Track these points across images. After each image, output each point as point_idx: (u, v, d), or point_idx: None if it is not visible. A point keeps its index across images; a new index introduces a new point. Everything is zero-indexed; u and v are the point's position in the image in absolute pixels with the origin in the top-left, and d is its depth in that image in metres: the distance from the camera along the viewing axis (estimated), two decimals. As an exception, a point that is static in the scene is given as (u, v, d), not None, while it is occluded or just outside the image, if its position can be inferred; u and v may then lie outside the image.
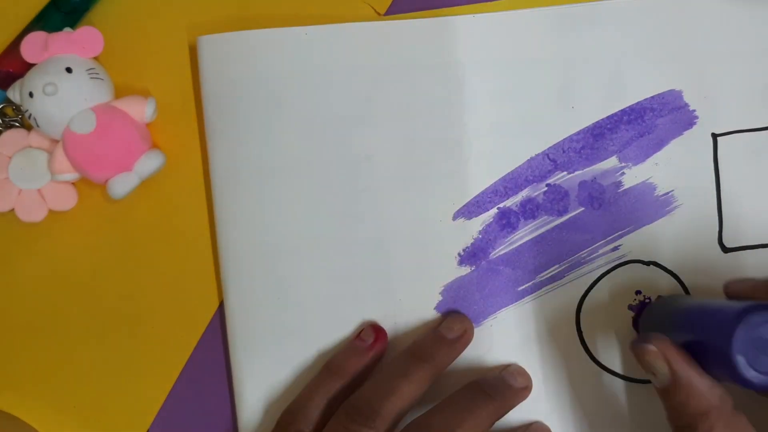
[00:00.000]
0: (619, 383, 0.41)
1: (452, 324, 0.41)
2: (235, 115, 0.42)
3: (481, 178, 0.42)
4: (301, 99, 0.42)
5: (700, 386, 0.31)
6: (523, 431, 0.40)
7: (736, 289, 0.35)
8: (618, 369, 0.41)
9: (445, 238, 0.42)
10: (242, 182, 0.42)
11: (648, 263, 0.41)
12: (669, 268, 0.41)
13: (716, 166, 0.41)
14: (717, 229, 0.41)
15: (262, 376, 0.42)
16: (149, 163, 0.43)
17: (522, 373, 0.41)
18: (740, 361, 0.27)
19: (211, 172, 0.43)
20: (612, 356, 0.41)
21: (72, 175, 0.43)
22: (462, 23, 0.42)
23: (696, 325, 0.31)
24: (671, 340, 0.33)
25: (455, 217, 0.42)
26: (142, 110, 0.43)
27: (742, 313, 0.27)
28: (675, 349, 0.33)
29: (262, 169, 0.42)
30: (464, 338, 0.41)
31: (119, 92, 0.43)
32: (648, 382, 0.41)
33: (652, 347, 0.33)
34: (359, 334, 0.41)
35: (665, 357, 0.32)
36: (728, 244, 0.41)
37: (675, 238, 0.41)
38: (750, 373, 0.27)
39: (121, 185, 0.42)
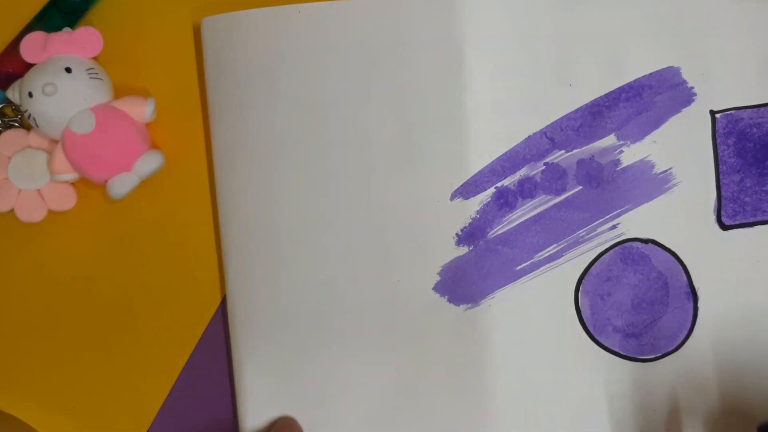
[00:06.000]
0: (618, 362, 0.41)
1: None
2: (235, 97, 0.42)
3: (479, 157, 0.41)
4: (298, 79, 0.42)
5: None
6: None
7: None
8: (617, 348, 0.41)
9: (443, 219, 0.42)
10: (243, 165, 0.42)
11: (646, 241, 0.41)
12: (667, 246, 0.41)
13: (715, 144, 0.41)
14: (716, 206, 0.41)
15: (264, 367, 0.42)
16: (149, 163, 0.43)
17: None
18: None
19: (213, 156, 0.43)
20: (611, 335, 0.41)
21: (71, 176, 0.43)
22: (460, 0, 0.41)
23: None
24: None
25: (453, 197, 0.42)
26: (141, 110, 0.43)
27: None
28: None
29: (261, 152, 0.42)
30: None
31: (119, 93, 0.44)
32: (646, 360, 0.41)
33: None
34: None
35: None
36: (727, 221, 0.41)
37: (673, 215, 0.41)
38: None
39: (121, 185, 0.42)
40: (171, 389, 0.45)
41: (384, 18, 0.42)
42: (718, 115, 0.41)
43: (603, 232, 0.41)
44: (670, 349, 0.41)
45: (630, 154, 0.41)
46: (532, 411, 0.41)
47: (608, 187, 0.41)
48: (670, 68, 0.41)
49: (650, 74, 0.41)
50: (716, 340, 0.40)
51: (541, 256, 0.41)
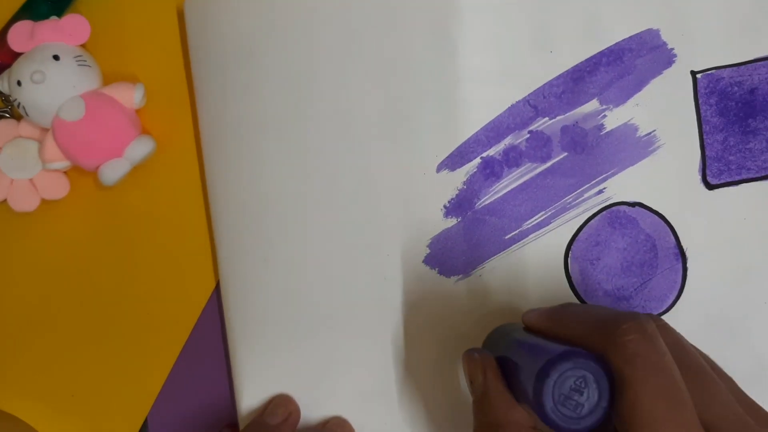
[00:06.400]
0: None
1: (275, 409, 0.42)
2: (220, 77, 0.43)
3: (463, 128, 0.42)
4: (282, 55, 0.42)
5: (503, 402, 0.32)
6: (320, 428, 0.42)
7: (528, 320, 0.35)
8: (608, 312, 0.41)
9: (430, 191, 0.42)
10: (230, 145, 0.43)
11: (633, 204, 0.41)
12: (654, 208, 0.41)
13: (697, 104, 0.41)
14: (700, 166, 0.41)
15: (259, 347, 0.43)
16: (139, 148, 0.43)
17: (342, 424, 0.42)
18: (548, 405, 0.29)
19: (201, 138, 0.43)
20: (602, 299, 0.41)
21: (63, 164, 0.43)
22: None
23: (517, 361, 0.33)
24: (494, 358, 0.34)
25: (439, 169, 0.42)
26: (130, 96, 0.43)
27: (552, 361, 0.29)
28: (493, 366, 0.34)
29: (248, 131, 0.43)
30: (290, 421, 0.41)
31: (107, 79, 0.44)
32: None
33: (476, 356, 0.34)
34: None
35: (483, 369, 0.34)
36: (712, 180, 0.41)
37: (659, 177, 0.41)
38: (555, 416, 0.29)
39: (112, 171, 0.42)
40: (168, 375, 0.45)
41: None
42: (699, 75, 0.41)
43: (590, 197, 0.41)
44: (661, 311, 0.41)
45: (613, 118, 0.41)
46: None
47: (593, 152, 0.41)
48: (649, 30, 0.41)
49: (630, 37, 0.41)
50: (706, 299, 0.41)
51: (529, 224, 0.42)
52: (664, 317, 0.40)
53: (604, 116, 0.41)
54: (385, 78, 0.42)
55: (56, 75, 0.41)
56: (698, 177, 0.41)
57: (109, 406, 0.45)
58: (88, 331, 0.45)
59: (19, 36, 0.42)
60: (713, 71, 0.41)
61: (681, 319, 0.41)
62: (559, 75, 0.41)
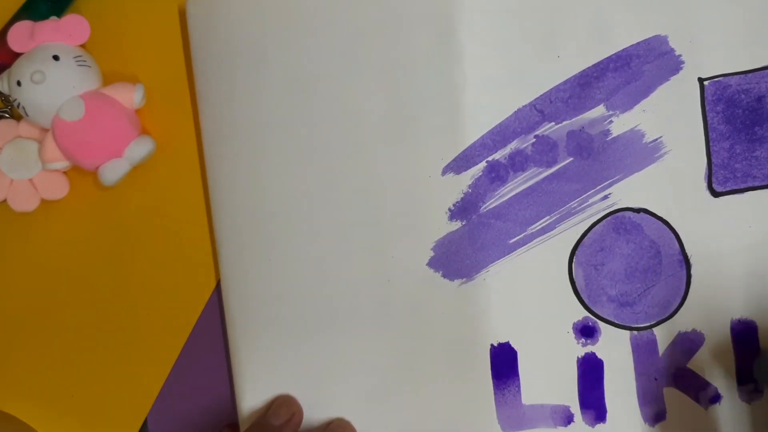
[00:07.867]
0: (614, 331, 0.41)
1: (278, 410, 0.41)
2: (222, 77, 0.42)
3: (469, 131, 0.41)
4: (285, 57, 0.42)
5: None
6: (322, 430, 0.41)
7: None
8: (612, 317, 0.41)
9: (435, 194, 0.42)
10: (232, 146, 0.42)
11: (638, 210, 0.41)
12: (659, 214, 0.41)
13: (704, 111, 0.41)
14: (706, 173, 0.41)
15: (260, 348, 0.43)
16: (139, 148, 0.43)
17: (344, 426, 0.42)
18: None
19: (203, 139, 0.43)
20: (606, 305, 0.41)
21: (63, 164, 0.43)
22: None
23: None
24: None
25: (444, 172, 0.42)
26: (130, 96, 0.43)
27: None
28: None
29: (250, 132, 0.42)
30: (293, 421, 0.41)
31: (107, 79, 0.44)
32: (641, 329, 0.41)
33: None
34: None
35: None
36: (718, 188, 0.41)
37: (665, 184, 0.41)
38: None
39: (112, 172, 0.42)
40: (168, 374, 0.45)
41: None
42: (706, 83, 0.41)
43: (595, 202, 0.41)
44: (664, 318, 0.41)
45: (620, 124, 0.41)
46: (528, 383, 0.41)
47: (599, 158, 0.41)
48: (657, 36, 0.41)
49: (638, 43, 0.41)
50: (709, 306, 0.41)
51: (533, 228, 0.41)
52: (666, 324, 0.41)
53: (611, 122, 0.41)
54: (391, 80, 0.41)
55: (56, 75, 0.41)
56: (704, 184, 0.41)
57: (109, 406, 0.45)
58: (87, 331, 0.45)
59: (18, 36, 0.42)
60: (721, 78, 0.40)
61: (684, 327, 0.41)
62: (566, 80, 0.41)
